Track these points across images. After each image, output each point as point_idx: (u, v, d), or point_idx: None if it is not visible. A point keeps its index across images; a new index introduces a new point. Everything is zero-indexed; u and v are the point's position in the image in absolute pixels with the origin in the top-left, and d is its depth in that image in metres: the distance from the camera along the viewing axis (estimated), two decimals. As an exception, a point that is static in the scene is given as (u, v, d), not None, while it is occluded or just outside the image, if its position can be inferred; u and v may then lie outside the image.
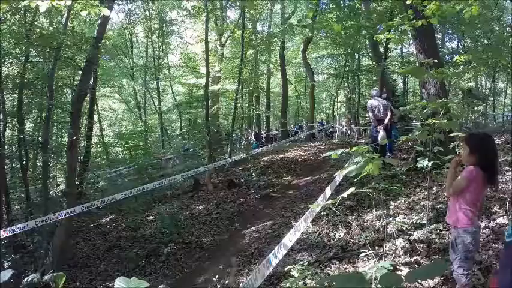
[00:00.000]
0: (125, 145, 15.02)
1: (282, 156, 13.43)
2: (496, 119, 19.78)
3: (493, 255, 3.31)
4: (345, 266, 4.06)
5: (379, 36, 5.69)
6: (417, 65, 6.58)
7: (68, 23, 10.33)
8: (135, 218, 9.48)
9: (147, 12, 19.45)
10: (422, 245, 3.87)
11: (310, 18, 10.95)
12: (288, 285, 3.48)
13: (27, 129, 11.99)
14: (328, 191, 4.59)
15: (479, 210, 2.68)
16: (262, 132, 24.09)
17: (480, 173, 2.47)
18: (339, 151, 3.32)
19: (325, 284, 2.83)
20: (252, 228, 7.34)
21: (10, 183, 10.15)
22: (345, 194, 2.97)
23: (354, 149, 3.13)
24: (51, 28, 10.17)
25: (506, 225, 3.73)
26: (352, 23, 14.10)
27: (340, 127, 20.62)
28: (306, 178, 10.16)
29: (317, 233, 5.21)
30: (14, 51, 9.82)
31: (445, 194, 4.96)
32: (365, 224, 4.99)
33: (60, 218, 6.16)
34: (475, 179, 2.48)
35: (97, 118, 17.26)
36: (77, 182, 9.07)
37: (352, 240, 4.64)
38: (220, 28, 16.56)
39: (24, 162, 10.69)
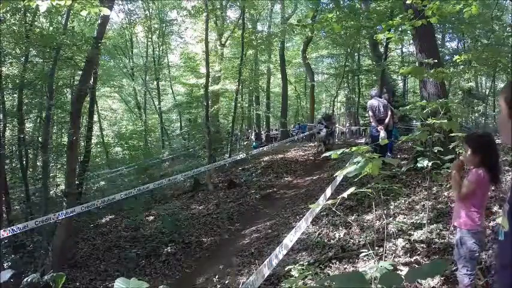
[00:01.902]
0: (125, 145, 15.02)
1: (282, 156, 13.43)
2: (496, 119, 19.77)
3: (493, 255, 3.31)
4: (345, 266, 4.06)
5: (379, 36, 5.70)
6: (417, 65, 6.58)
7: (68, 23, 10.33)
8: (135, 218, 9.48)
9: (147, 12, 19.45)
10: (422, 245, 3.87)
11: (310, 18, 10.95)
12: (288, 285, 3.48)
13: (27, 129, 11.98)
14: (328, 192, 4.60)
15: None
16: (262, 132, 24.09)
17: (486, 175, 2.46)
18: (339, 151, 3.31)
19: (325, 284, 2.83)
20: (252, 228, 7.34)
21: (10, 183, 10.15)
22: (345, 194, 2.97)
23: (354, 149, 3.13)
24: (51, 28, 10.17)
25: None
26: (352, 23, 14.09)
27: (340, 127, 20.60)
28: (306, 178, 10.15)
29: (317, 233, 5.21)
30: (14, 51, 9.81)
31: (446, 194, 4.97)
32: (365, 224, 4.99)
33: (60, 218, 6.16)
34: (482, 181, 2.46)
35: (97, 118, 17.25)
36: (77, 182, 9.07)
37: (352, 240, 4.63)
38: (220, 28, 16.55)
39: (24, 162, 10.68)
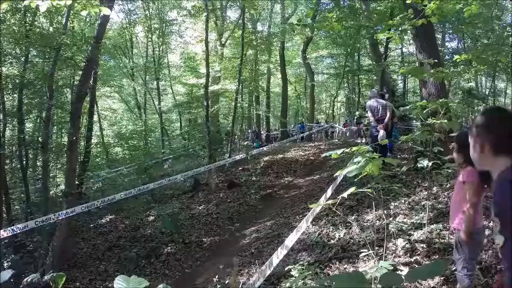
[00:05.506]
0: (125, 145, 15.01)
1: (282, 156, 13.42)
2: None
3: (493, 255, 3.30)
4: (345, 266, 4.06)
5: (379, 35, 5.70)
6: (417, 65, 6.58)
7: (68, 23, 10.33)
8: (136, 218, 9.48)
9: (147, 12, 19.43)
10: (422, 245, 3.87)
11: (310, 18, 10.95)
12: (288, 285, 3.48)
13: (27, 129, 11.99)
14: (329, 192, 4.60)
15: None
16: (262, 132, 24.10)
17: (476, 173, 2.43)
18: (339, 151, 3.31)
19: (325, 284, 2.83)
20: (252, 228, 7.34)
21: (10, 183, 10.16)
22: (345, 194, 2.96)
23: (354, 149, 3.13)
24: (51, 28, 10.17)
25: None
26: (352, 23, 14.10)
27: (340, 127, 20.59)
28: (306, 178, 10.15)
29: (317, 233, 5.20)
30: (14, 51, 9.82)
31: (446, 194, 4.96)
32: (365, 224, 4.98)
33: (60, 218, 6.16)
34: (475, 178, 2.43)
35: (97, 118, 17.25)
36: (77, 182, 9.07)
37: (352, 240, 4.63)
38: (220, 28, 16.56)
39: (24, 162, 10.70)
